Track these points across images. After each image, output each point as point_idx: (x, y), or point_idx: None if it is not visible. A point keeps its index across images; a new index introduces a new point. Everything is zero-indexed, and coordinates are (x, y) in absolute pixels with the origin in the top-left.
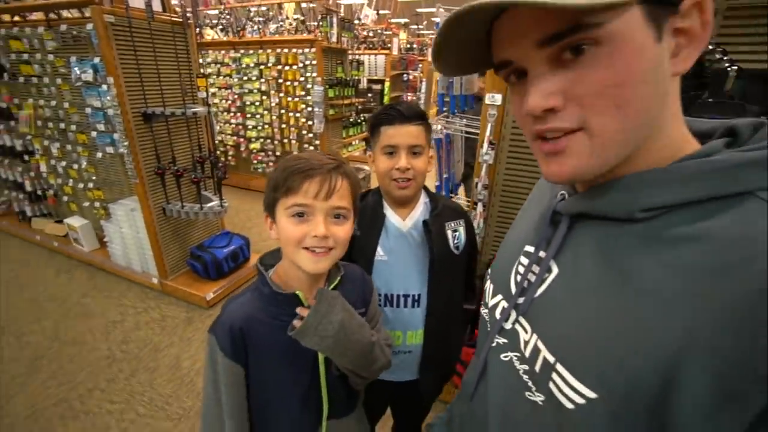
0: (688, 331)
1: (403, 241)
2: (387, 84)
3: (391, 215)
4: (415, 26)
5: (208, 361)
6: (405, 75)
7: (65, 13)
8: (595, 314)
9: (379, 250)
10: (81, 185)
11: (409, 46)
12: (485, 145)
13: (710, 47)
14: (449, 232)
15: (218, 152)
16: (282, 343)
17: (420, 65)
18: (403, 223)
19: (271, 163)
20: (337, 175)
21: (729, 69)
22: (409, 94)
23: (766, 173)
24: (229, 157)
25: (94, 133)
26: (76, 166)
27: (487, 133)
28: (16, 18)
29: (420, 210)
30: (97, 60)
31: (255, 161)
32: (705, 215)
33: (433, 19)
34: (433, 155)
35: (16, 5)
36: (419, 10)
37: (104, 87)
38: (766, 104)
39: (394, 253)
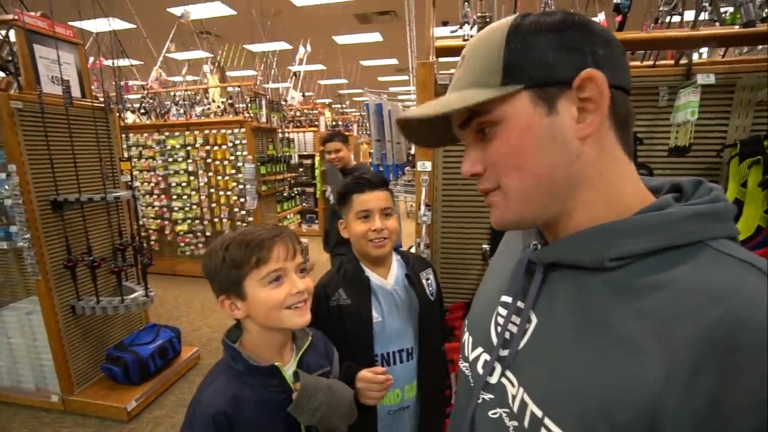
0: (663, 379)
1: (390, 299)
2: (317, 158)
3: (374, 277)
4: (339, 105)
5: None
6: None
7: None
8: (576, 365)
9: (374, 313)
10: None
11: (335, 123)
12: (422, 207)
13: None
14: (424, 282)
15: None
16: (268, 414)
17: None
18: (386, 281)
19: (200, 245)
20: (291, 235)
21: None
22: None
23: (713, 224)
24: (152, 242)
25: None
26: None
27: (423, 196)
28: None
29: (396, 267)
30: None
31: (182, 244)
32: (667, 264)
33: (357, 99)
34: (397, 216)
35: None
36: (341, 91)
37: (2, 175)
38: (632, 158)
39: (385, 313)
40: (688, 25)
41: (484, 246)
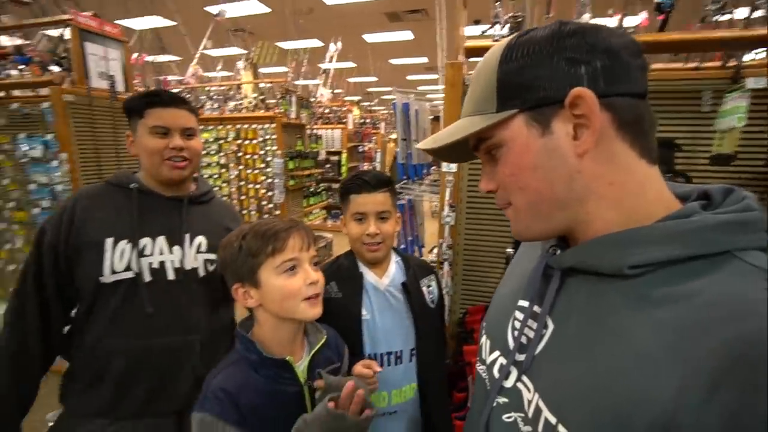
0: (679, 392)
1: (382, 299)
2: (344, 155)
3: (368, 274)
4: (367, 103)
5: None
6: (360, 147)
7: (16, 91)
8: (592, 374)
9: (363, 310)
10: (12, 267)
11: (362, 120)
12: (446, 208)
13: None
14: (425, 289)
15: None
16: (277, 404)
17: (374, 138)
18: (380, 281)
19: None
20: (305, 228)
21: None
22: (365, 163)
23: (741, 234)
24: None
25: (36, 210)
26: (8, 246)
27: (447, 197)
28: None
29: (394, 268)
30: (49, 137)
31: None
32: (689, 275)
33: (385, 97)
34: (399, 216)
35: None
36: (369, 89)
37: (54, 163)
38: (669, 165)
39: (375, 312)
40: (739, 24)
41: (508, 249)
